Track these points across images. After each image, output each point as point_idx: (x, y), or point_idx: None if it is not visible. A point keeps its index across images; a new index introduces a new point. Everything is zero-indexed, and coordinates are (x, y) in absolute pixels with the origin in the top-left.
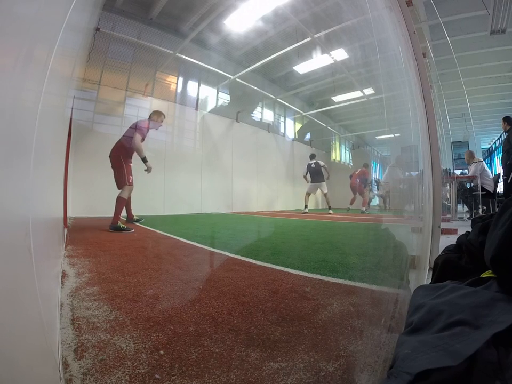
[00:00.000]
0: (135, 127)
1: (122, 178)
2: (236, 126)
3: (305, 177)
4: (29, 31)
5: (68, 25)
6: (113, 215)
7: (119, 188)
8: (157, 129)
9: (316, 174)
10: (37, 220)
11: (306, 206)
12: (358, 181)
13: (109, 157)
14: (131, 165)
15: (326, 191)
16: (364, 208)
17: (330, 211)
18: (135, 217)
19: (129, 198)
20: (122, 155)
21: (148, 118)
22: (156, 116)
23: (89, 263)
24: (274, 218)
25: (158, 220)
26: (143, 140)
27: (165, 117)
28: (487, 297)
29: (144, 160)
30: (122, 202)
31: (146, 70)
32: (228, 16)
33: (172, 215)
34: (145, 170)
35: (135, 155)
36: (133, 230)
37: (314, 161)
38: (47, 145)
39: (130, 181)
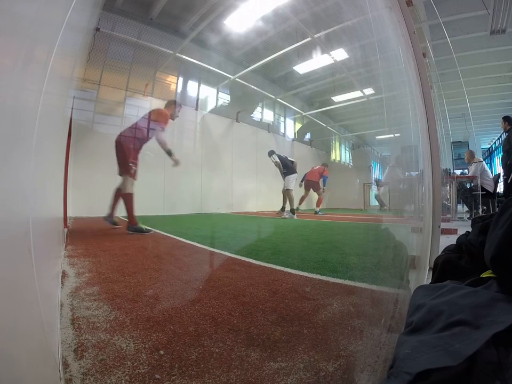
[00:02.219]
0: (155, 118)
1: (125, 164)
2: (236, 126)
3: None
4: (29, 31)
5: (68, 25)
6: (127, 215)
7: (120, 174)
8: (173, 120)
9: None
10: (37, 220)
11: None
12: (310, 179)
13: (116, 141)
14: (137, 161)
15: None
16: (317, 209)
17: (284, 214)
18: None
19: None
20: (132, 142)
21: (164, 107)
22: (173, 105)
23: (89, 263)
24: (274, 218)
25: (158, 220)
26: (163, 130)
27: (181, 107)
28: (487, 297)
29: (169, 153)
30: (130, 197)
31: (146, 70)
32: (228, 16)
33: (172, 215)
34: (172, 165)
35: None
36: (152, 232)
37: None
38: (47, 145)
39: (133, 172)
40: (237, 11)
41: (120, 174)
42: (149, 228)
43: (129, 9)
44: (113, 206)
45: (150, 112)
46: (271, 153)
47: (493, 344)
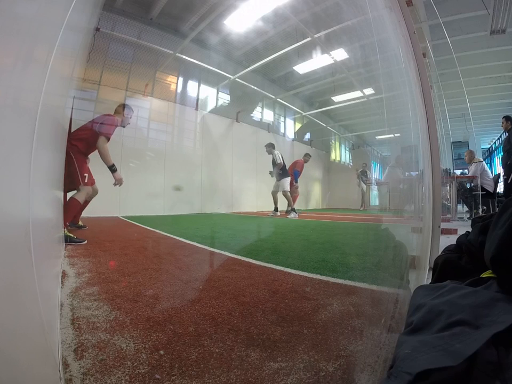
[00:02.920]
0: (101, 124)
1: (74, 177)
2: (236, 126)
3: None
4: (29, 31)
5: (67, 25)
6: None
7: (68, 191)
8: (124, 127)
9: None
10: (37, 220)
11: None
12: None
13: None
14: (87, 165)
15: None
16: (289, 208)
17: (291, 215)
18: (80, 223)
19: (86, 202)
20: (73, 151)
21: (114, 112)
22: (125, 110)
23: (89, 263)
24: (274, 218)
25: (158, 220)
26: (108, 140)
27: (133, 112)
28: (487, 297)
29: (112, 169)
30: (76, 206)
31: (146, 70)
32: (228, 16)
33: (172, 215)
34: (114, 184)
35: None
36: (85, 242)
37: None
38: (47, 145)
39: (86, 180)
40: (237, 11)
41: (74, 187)
42: (80, 238)
43: (129, 9)
44: (79, 214)
45: (95, 118)
46: (272, 147)
47: (493, 344)
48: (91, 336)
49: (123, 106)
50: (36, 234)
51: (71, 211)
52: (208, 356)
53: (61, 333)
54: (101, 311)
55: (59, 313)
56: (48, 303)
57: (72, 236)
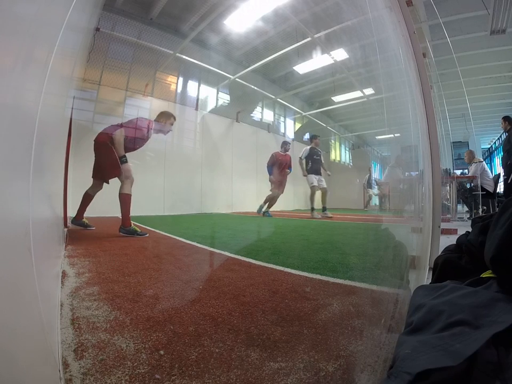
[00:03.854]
0: (129, 121)
1: (115, 165)
2: (236, 126)
3: (304, 164)
4: (29, 31)
5: (68, 25)
6: (122, 216)
7: (107, 177)
8: (165, 134)
9: (319, 164)
10: (37, 220)
11: (313, 209)
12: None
13: (94, 141)
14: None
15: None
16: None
17: (327, 212)
18: (85, 220)
19: (91, 196)
20: (110, 141)
21: (154, 119)
22: (164, 117)
23: (89, 263)
24: (275, 219)
25: (158, 220)
26: (127, 137)
27: (175, 119)
28: (487, 297)
29: (121, 159)
30: (129, 199)
31: (146, 70)
32: (228, 16)
33: (172, 215)
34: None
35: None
36: (147, 234)
37: (317, 150)
38: (47, 145)
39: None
40: (237, 11)
41: (115, 176)
42: (143, 232)
43: (129, 9)
44: (83, 210)
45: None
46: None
47: (493, 344)
48: (91, 336)
49: (164, 114)
50: (35, 234)
51: (127, 206)
52: (208, 356)
53: (61, 333)
54: (101, 311)
55: (59, 313)
56: (48, 303)
57: (138, 229)
